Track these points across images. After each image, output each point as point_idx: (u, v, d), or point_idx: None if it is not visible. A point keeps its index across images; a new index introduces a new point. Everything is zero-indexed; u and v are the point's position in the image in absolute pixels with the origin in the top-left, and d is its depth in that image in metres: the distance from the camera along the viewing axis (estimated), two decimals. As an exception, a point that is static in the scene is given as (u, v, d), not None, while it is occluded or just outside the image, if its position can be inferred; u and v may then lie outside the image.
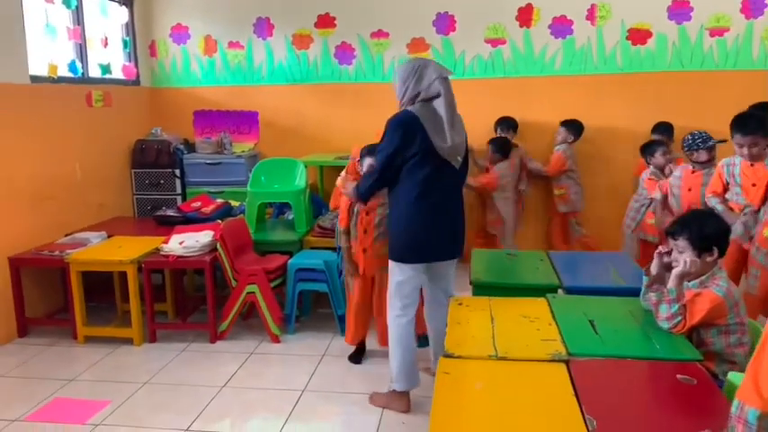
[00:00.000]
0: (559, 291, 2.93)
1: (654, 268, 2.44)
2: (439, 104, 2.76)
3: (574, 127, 4.95)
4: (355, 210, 3.36)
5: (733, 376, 2.00)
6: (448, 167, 2.80)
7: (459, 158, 2.83)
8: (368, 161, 3.28)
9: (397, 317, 2.93)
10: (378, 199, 3.30)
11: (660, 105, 4.92)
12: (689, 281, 2.37)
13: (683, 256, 2.32)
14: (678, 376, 1.97)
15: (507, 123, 5.04)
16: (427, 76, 2.77)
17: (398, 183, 2.81)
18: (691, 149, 3.71)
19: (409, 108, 2.78)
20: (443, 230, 2.86)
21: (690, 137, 3.73)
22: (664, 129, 4.73)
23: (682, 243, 2.34)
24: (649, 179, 4.15)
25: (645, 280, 2.46)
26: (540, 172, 5.05)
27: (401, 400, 2.96)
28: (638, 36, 4.96)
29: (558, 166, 4.96)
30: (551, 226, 5.21)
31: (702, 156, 3.67)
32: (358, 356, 3.55)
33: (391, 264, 2.90)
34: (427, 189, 2.77)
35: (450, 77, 2.82)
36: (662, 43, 4.93)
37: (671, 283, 2.31)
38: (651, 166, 4.21)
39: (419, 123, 2.72)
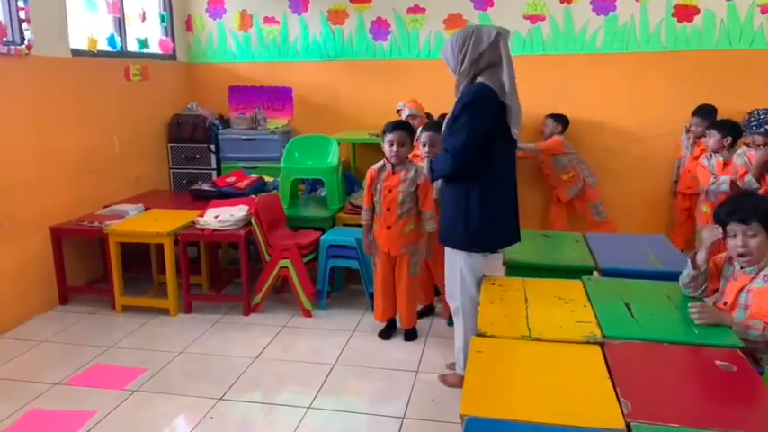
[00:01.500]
0: (594, 273, 2.89)
1: (703, 259, 2.37)
2: (503, 68, 2.55)
3: (561, 119, 4.88)
4: (378, 187, 3.35)
5: (775, 364, 1.95)
6: (512, 143, 2.67)
7: (519, 131, 2.67)
8: (388, 137, 3.25)
9: (474, 304, 2.67)
10: (399, 173, 3.29)
11: (705, 86, 4.75)
12: (744, 266, 2.29)
13: (754, 240, 2.21)
14: (717, 362, 1.93)
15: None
16: (486, 34, 2.54)
17: (474, 165, 2.60)
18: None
19: (481, 80, 2.56)
20: (512, 215, 2.77)
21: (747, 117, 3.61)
22: (706, 112, 4.54)
23: (755, 227, 2.21)
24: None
25: (691, 272, 2.40)
26: (535, 150, 4.87)
27: None
28: (684, 13, 4.78)
29: (557, 148, 4.88)
30: (553, 215, 5.12)
31: (758, 139, 3.56)
32: (387, 333, 3.57)
33: (459, 254, 2.73)
34: (503, 169, 2.65)
35: (509, 38, 2.62)
36: (709, 20, 4.74)
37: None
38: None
39: (495, 97, 2.53)
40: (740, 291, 2.26)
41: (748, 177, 3.51)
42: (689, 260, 2.42)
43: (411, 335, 3.53)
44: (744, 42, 4.72)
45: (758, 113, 3.67)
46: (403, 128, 3.33)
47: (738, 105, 4.15)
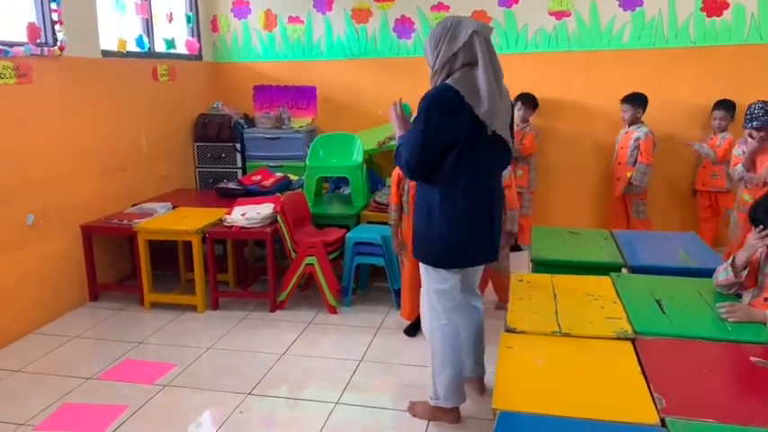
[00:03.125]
0: (623, 270, 2.86)
1: (743, 264, 2.33)
2: (479, 69, 2.26)
3: (640, 100, 4.73)
4: (406, 186, 3.29)
5: (812, 361, 1.91)
6: (494, 152, 2.37)
7: (504, 137, 2.37)
8: None
9: (442, 326, 2.53)
10: None
11: (735, 81, 4.66)
12: None
13: None
14: (752, 359, 1.90)
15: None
16: (462, 32, 2.27)
17: (436, 172, 2.36)
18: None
19: (448, 81, 2.30)
20: (488, 229, 2.47)
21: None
22: (725, 106, 4.52)
23: None
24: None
25: (731, 278, 2.36)
26: (516, 153, 4.68)
27: (451, 415, 2.62)
28: (713, 7, 4.70)
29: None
30: (611, 211, 5.03)
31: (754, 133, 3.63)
32: (413, 330, 3.57)
33: (427, 269, 2.52)
34: (471, 181, 2.36)
35: (491, 36, 2.35)
36: (739, 14, 4.66)
37: None
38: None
39: (460, 99, 2.24)
40: None
41: (739, 166, 3.73)
42: (730, 267, 2.37)
43: (412, 328, 3.52)
44: (775, 36, 4.63)
45: (753, 107, 3.69)
46: None
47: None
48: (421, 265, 2.56)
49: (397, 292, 3.87)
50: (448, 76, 2.33)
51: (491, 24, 5.09)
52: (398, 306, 3.80)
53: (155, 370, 3.22)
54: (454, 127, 2.27)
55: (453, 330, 2.56)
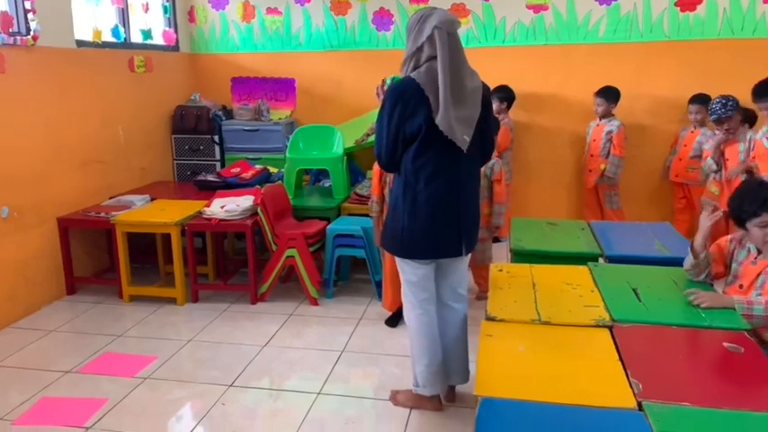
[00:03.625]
0: (600, 259, 2.92)
1: (701, 245, 2.40)
2: (440, 64, 2.25)
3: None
4: (388, 179, 3.30)
5: (782, 346, 1.98)
6: (457, 149, 2.34)
7: (467, 138, 2.32)
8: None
9: (417, 315, 2.56)
10: None
11: (709, 75, 4.76)
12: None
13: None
14: (725, 344, 1.96)
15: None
16: (427, 25, 2.27)
17: (400, 165, 2.41)
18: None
19: (411, 74, 2.32)
20: (450, 224, 2.44)
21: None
22: (701, 100, 4.59)
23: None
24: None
25: (691, 259, 2.44)
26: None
27: (431, 402, 2.66)
28: (687, 2, 4.78)
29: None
30: (586, 202, 5.11)
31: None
32: (394, 320, 3.59)
33: (399, 261, 2.56)
34: (433, 174, 2.36)
35: (456, 31, 2.33)
36: (712, 10, 4.75)
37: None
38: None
39: (420, 92, 2.26)
40: (759, 274, 2.28)
41: (709, 159, 3.98)
42: (689, 250, 2.45)
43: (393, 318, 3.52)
44: (746, 31, 4.73)
45: (714, 103, 3.92)
46: None
47: (741, 94, 4.16)
48: (398, 267, 2.61)
49: (379, 284, 3.89)
50: (415, 69, 2.34)
51: (469, 17, 5.12)
52: (380, 297, 3.83)
53: (135, 363, 3.19)
54: (414, 119, 2.29)
55: (429, 320, 2.57)
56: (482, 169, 3.20)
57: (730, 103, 3.88)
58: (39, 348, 3.39)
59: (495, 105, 4.82)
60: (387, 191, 3.31)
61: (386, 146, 2.38)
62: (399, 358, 3.18)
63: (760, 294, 2.24)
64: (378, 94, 2.56)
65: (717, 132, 4.01)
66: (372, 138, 4.55)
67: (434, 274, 2.58)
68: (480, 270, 3.80)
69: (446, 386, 2.70)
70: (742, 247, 2.39)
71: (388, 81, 2.75)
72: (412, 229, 2.43)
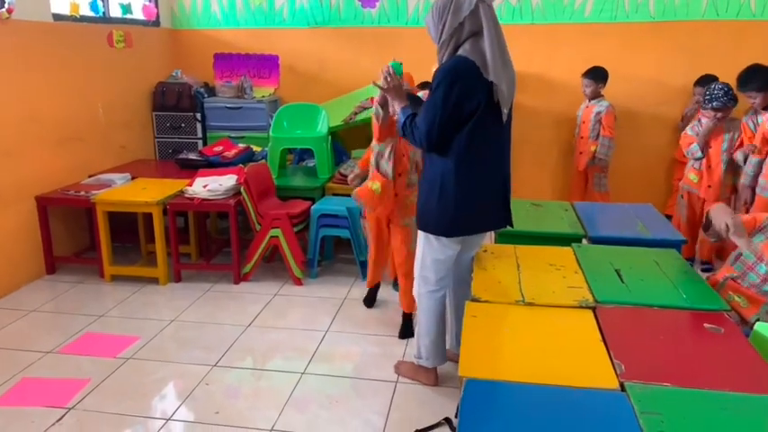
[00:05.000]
0: (584, 240, 2.94)
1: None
2: (485, 38, 2.30)
3: (600, 74, 4.74)
4: (416, 159, 3.16)
5: (760, 326, 2.01)
6: (501, 122, 2.41)
7: (508, 109, 2.43)
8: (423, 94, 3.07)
9: (431, 292, 2.64)
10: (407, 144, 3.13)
11: (693, 56, 4.78)
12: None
13: None
14: (705, 325, 1.99)
15: None
16: (467, 1, 2.30)
17: (448, 145, 2.38)
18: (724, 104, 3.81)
19: (460, 53, 2.32)
20: (499, 197, 2.53)
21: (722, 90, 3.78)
22: (708, 82, 4.56)
23: None
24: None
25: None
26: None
27: (429, 374, 2.79)
28: (672, -17, 4.78)
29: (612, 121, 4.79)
30: (574, 184, 5.12)
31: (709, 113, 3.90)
32: (371, 300, 3.59)
33: (428, 239, 2.56)
34: (486, 150, 2.40)
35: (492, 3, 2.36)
36: (697, -9, 4.75)
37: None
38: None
39: (476, 71, 2.28)
40: None
41: (694, 146, 3.92)
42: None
43: (408, 327, 3.28)
44: (731, 13, 4.74)
45: (714, 88, 3.83)
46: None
47: (725, 75, 4.19)
48: (421, 235, 2.60)
49: (363, 264, 3.89)
50: (456, 48, 2.34)
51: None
52: (364, 277, 3.83)
53: (117, 343, 3.17)
54: (473, 98, 2.30)
55: (442, 298, 2.69)
56: None
57: (732, 91, 3.82)
58: (18, 328, 3.35)
59: None
60: (410, 173, 3.17)
61: (439, 125, 2.33)
62: (383, 338, 3.20)
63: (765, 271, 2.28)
64: (385, 78, 2.52)
65: (703, 119, 3.92)
66: (362, 116, 4.57)
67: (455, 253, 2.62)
68: None
69: (445, 361, 2.80)
70: None
71: (392, 64, 2.73)
72: (466, 205, 2.44)
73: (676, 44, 4.83)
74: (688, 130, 4.06)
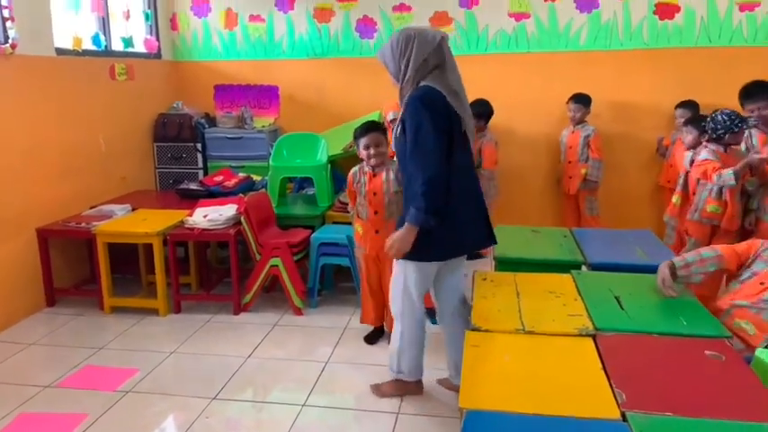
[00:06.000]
0: (583, 267, 2.94)
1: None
2: (447, 71, 2.43)
3: (584, 99, 4.81)
4: (362, 191, 3.27)
5: (761, 352, 2.00)
6: (467, 146, 2.52)
7: (473, 137, 2.56)
8: (363, 141, 3.17)
9: (416, 310, 2.71)
10: (381, 174, 3.22)
11: (687, 82, 4.83)
12: None
13: None
14: (706, 352, 1.98)
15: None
16: (429, 37, 2.42)
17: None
18: (730, 131, 3.45)
19: (425, 83, 2.42)
20: (480, 215, 2.61)
21: (726, 118, 3.45)
22: (689, 105, 4.63)
23: None
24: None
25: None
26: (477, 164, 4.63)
27: (416, 386, 2.87)
28: (665, 11, 4.86)
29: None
30: (567, 209, 5.12)
31: (737, 137, 3.51)
32: (374, 338, 3.52)
33: (411, 264, 2.59)
34: (461, 171, 2.48)
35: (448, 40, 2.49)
36: (690, 18, 4.82)
37: None
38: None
39: (443, 98, 2.39)
40: None
41: (727, 172, 3.34)
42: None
43: (431, 314, 3.41)
44: (723, 39, 4.81)
45: (733, 118, 3.45)
46: (375, 129, 3.20)
47: (718, 101, 4.22)
48: (399, 262, 2.64)
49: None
50: (419, 82, 2.44)
51: (452, 25, 5.15)
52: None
53: (116, 376, 3.15)
54: (445, 125, 2.40)
55: (423, 314, 2.78)
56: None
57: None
58: (17, 362, 3.33)
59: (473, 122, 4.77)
60: (387, 207, 3.21)
61: (439, 156, 2.36)
62: (385, 368, 3.16)
63: None
64: (388, 126, 2.62)
65: (708, 145, 3.55)
66: None
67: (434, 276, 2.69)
68: None
69: (422, 372, 2.88)
70: None
71: (391, 116, 2.82)
72: (448, 228, 2.48)
73: (670, 71, 4.89)
74: (708, 156, 3.49)
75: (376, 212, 3.23)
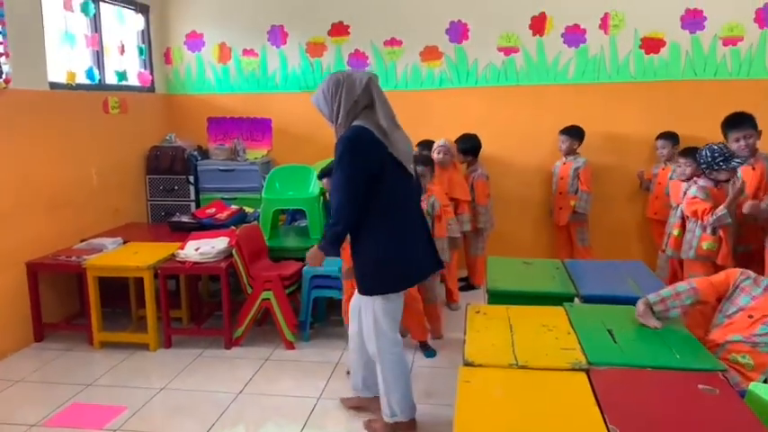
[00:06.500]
0: (576, 299, 2.94)
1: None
2: (377, 109, 2.59)
3: (576, 133, 4.88)
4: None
5: (755, 387, 2.00)
6: (407, 178, 2.67)
7: (411, 165, 2.71)
8: (326, 181, 3.29)
9: (392, 347, 2.74)
10: None
11: (673, 114, 4.92)
12: None
13: None
14: (700, 386, 1.97)
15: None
16: (357, 80, 2.59)
17: (366, 207, 2.59)
18: (710, 168, 3.46)
19: (356, 123, 2.58)
20: (425, 241, 2.77)
21: (709, 153, 3.45)
22: (670, 136, 4.72)
23: None
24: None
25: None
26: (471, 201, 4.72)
27: (409, 426, 2.81)
28: (651, 45, 4.97)
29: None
30: (560, 241, 5.14)
31: (722, 175, 3.47)
32: (427, 348, 3.74)
33: (374, 300, 2.67)
34: (400, 205, 2.64)
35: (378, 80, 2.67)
36: (675, 52, 4.93)
37: None
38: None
39: (373, 135, 2.55)
40: None
41: (721, 211, 3.34)
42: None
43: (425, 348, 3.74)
44: (708, 73, 4.91)
45: (723, 151, 3.43)
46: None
47: (704, 133, 4.30)
48: (366, 299, 2.71)
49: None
50: (351, 122, 2.60)
51: (442, 59, 5.23)
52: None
53: (104, 414, 3.09)
54: (377, 160, 2.55)
55: (401, 349, 2.80)
56: (423, 206, 3.47)
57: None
58: (4, 400, 3.27)
59: (459, 157, 4.82)
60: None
61: (353, 202, 2.54)
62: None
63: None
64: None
65: (698, 180, 3.58)
66: None
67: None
68: (431, 309, 3.86)
69: (415, 410, 2.85)
70: (757, 285, 2.41)
71: None
72: (403, 257, 2.64)
73: (657, 103, 4.98)
74: (698, 194, 3.47)
75: None
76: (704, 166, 3.52)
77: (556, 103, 5.13)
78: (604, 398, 1.89)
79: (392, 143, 2.58)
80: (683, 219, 3.73)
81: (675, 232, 3.80)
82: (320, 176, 3.31)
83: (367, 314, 2.73)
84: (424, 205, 3.72)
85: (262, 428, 2.95)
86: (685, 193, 3.65)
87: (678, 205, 3.80)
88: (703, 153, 3.51)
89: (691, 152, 3.89)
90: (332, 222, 2.61)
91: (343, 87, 2.58)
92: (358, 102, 2.59)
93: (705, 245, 3.51)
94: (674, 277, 3.77)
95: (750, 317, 2.35)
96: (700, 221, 3.49)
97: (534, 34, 5.11)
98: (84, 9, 4.56)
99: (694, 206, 3.50)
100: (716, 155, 3.45)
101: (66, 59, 4.43)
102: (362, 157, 2.53)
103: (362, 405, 3.02)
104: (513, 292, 2.99)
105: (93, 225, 4.59)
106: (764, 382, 2.18)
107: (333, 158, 2.64)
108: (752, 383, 2.04)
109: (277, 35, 5.49)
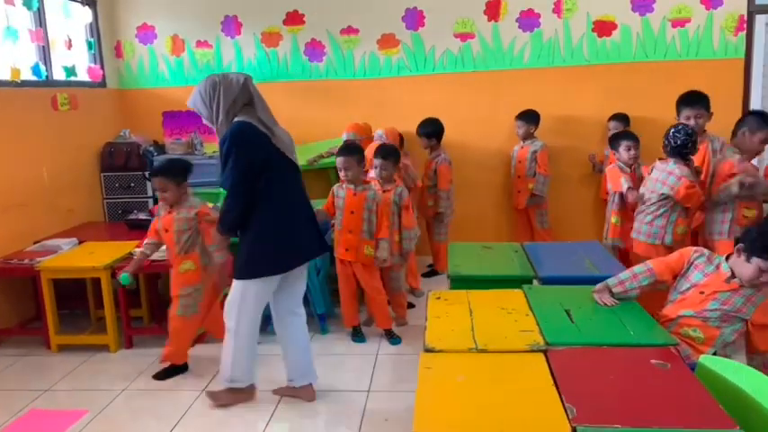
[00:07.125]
0: (534, 281, 2.98)
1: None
2: (257, 107, 2.75)
3: (532, 117, 4.92)
4: (342, 194, 3.56)
5: (705, 359, 2.06)
6: (292, 168, 2.84)
7: (295, 155, 2.87)
8: (340, 160, 3.57)
9: (253, 321, 2.90)
10: (364, 194, 3.55)
11: (627, 96, 5.02)
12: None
13: None
14: (652, 361, 2.03)
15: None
16: (233, 81, 2.73)
17: (253, 196, 2.74)
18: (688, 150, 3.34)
19: (238, 119, 2.71)
20: (309, 226, 2.92)
21: (687, 137, 3.31)
22: (621, 118, 4.82)
23: None
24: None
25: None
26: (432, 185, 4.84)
27: (250, 392, 3.04)
28: (603, 28, 5.04)
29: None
30: (521, 224, 5.21)
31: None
32: (357, 335, 3.81)
33: (251, 282, 2.81)
34: (285, 188, 2.79)
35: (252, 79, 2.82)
36: (626, 35, 5.02)
37: None
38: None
39: (256, 129, 2.69)
40: (727, 291, 2.37)
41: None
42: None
43: (390, 335, 3.79)
44: (659, 54, 5.01)
45: (688, 132, 3.33)
46: (345, 152, 3.64)
47: (657, 114, 4.40)
48: (239, 281, 2.84)
49: (321, 317, 3.87)
50: (233, 117, 2.72)
51: (399, 47, 5.22)
52: (324, 331, 3.84)
53: (64, 419, 3.00)
54: (260, 151, 2.69)
55: (257, 328, 2.96)
56: (390, 196, 3.69)
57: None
58: (-43, 410, 3.16)
59: (424, 143, 4.85)
60: (365, 224, 3.60)
61: (242, 184, 2.68)
62: (344, 393, 3.14)
63: (718, 306, 2.35)
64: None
65: (672, 161, 3.36)
66: (326, 160, 4.78)
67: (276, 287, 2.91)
68: (396, 297, 3.96)
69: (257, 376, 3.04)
70: (710, 263, 2.46)
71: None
72: (285, 242, 2.80)
73: (611, 85, 5.06)
74: (690, 176, 3.31)
75: (352, 212, 3.56)
76: (684, 149, 3.32)
77: (513, 88, 5.17)
78: (561, 377, 1.93)
79: (275, 135, 2.74)
80: (623, 205, 3.75)
81: (614, 219, 3.83)
82: (150, 176, 3.39)
83: (235, 293, 2.85)
84: (391, 195, 3.72)
85: (226, 424, 2.92)
86: (664, 183, 3.35)
87: (616, 192, 3.80)
88: (680, 136, 3.31)
89: (630, 136, 3.90)
90: (225, 209, 2.79)
91: (221, 87, 2.69)
92: (237, 100, 2.71)
93: (679, 229, 3.39)
94: (627, 265, 3.79)
95: (702, 293, 2.42)
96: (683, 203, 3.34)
97: (489, 20, 5.13)
98: (27, 2, 4.38)
99: (692, 189, 3.30)
100: (694, 138, 3.33)
101: (9, 55, 4.26)
102: (248, 148, 2.67)
103: (295, 394, 3.10)
104: (474, 277, 3.02)
105: (46, 226, 4.46)
106: (713, 354, 2.26)
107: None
108: (702, 356, 2.10)
109: (231, 25, 5.39)
